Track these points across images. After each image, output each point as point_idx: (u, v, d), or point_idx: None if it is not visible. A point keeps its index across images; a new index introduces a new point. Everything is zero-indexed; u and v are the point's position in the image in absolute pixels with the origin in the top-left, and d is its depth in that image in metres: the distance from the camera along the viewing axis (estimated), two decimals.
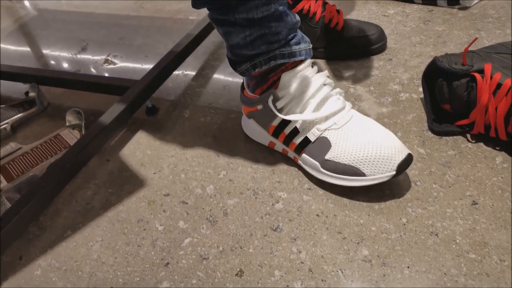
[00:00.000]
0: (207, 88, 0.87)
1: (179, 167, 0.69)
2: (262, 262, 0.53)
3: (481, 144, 0.64)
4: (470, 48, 0.66)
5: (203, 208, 0.61)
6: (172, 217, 0.61)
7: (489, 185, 0.58)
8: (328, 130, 0.60)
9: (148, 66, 0.96)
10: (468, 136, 0.66)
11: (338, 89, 0.63)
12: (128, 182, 0.68)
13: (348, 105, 0.62)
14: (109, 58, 1.03)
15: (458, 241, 0.52)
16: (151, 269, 0.55)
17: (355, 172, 0.57)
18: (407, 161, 0.56)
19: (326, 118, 0.60)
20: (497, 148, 0.63)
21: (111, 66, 1.00)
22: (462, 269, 0.49)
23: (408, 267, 0.51)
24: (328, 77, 0.63)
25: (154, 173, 0.68)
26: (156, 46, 1.05)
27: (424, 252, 0.52)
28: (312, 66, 0.62)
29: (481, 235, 0.53)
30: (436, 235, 0.53)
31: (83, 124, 0.79)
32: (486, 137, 0.64)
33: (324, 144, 0.60)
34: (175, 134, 0.76)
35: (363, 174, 0.57)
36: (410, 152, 0.57)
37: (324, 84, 0.61)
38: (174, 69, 0.87)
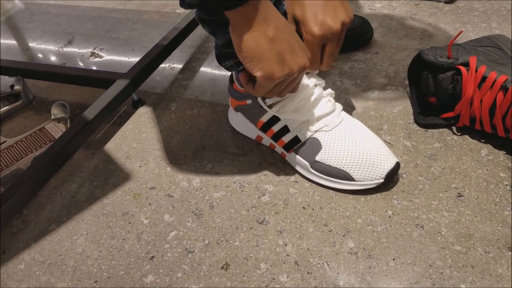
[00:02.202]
0: (194, 81, 0.86)
1: (165, 160, 0.68)
2: (248, 255, 0.53)
3: (467, 136, 0.65)
4: (456, 41, 0.67)
5: (189, 201, 0.61)
6: (157, 210, 0.60)
7: (474, 177, 0.58)
8: (319, 131, 0.60)
9: (135, 59, 0.95)
10: (454, 128, 0.66)
11: (329, 90, 0.63)
12: (114, 175, 0.67)
13: (339, 107, 0.62)
14: (95, 51, 1.02)
15: (443, 233, 0.53)
16: (136, 263, 0.54)
17: (344, 176, 0.58)
18: (395, 169, 0.57)
19: (318, 119, 0.60)
20: (482, 140, 0.63)
21: (98, 59, 0.99)
22: (447, 261, 0.50)
23: (393, 259, 0.51)
24: (318, 76, 0.63)
25: (139, 166, 0.68)
26: (143, 39, 1.04)
27: (410, 244, 0.52)
28: None
29: (466, 227, 0.53)
30: (422, 227, 0.54)
31: (68, 117, 0.78)
32: (472, 130, 0.64)
33: (314, 145, 0.60)
34: (161, 127, 0.75)
35: (352, 179, 0.58)
36: (398, 160, 0.58)
37: (316, 85, 0.61)
38: (161, 63, 0.86)
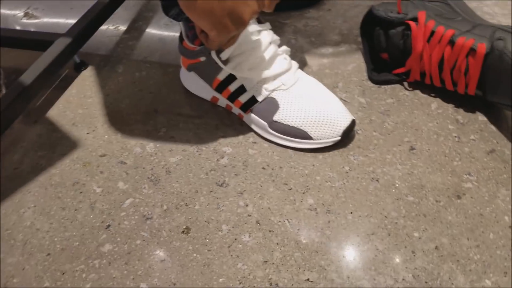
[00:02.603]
0: (141, 41, 0.81)
1: (115, 126, 0.64)
2: (209, 218, 0.52)
3: (418, 91, 0.66)
4: None
5: (143, 168, 0.59)
6: (110, 178, 0.58)
7: (425, 131, 0.60)
8: (276, 90, 0.59)
9: (74, 21, 0.87)
10: (405, 84, 0.67)
11: (284, 47, 0.61)
12: (60, 143, 0.63)
13: (295, 65, 0.61)
14: (29, 11, 0.93)
15: (397, 185, 0.54)
16: (91, 233, 0.52)
17: (302, 135, 0.58)
18: (351, 126, 0.58)
19: (274, 78, 0.59)
20: (432, 94, 0.65)
21: (32, 20, 0.90)
22: (401, 212, 0.52)
23: (351, 212, 0.52)
24: (273, 32, 0.61)
25: (87, 133, 0.64)
26: None
27: (366, 197, 0.53)
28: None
29: (419, 178, 0.55)
30: (377, 180, 0.55)
31: (3, 83, 0.71)
32: (422, 84, 0.66)
33: (272, 104, 0.59)
34: (108, 91, 0.70)
35: (310, 138, 0.58)
36: (353, 118, 0.58)
37: (270, 42, 0.59)
38: (104, 21, 0.80)
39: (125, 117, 0.66)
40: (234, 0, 0.46)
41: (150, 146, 0.61)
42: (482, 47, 0.57)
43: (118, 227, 0.52)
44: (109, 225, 0.52)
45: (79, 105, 0.68)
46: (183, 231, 0.51)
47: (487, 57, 0.57)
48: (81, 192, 0.56)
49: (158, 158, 0.60)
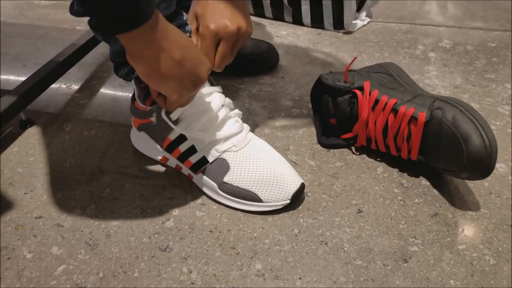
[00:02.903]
0: (93, 100, 0.80)
1: (56, 186, 0.61)
2: (149, 286, 0.49)
3: (364, 155, 0.68)
4: (352, 68, 0.71)
5: (81, 231, 0.55)
6: (44, 242, 0.53)
7: (372, 194, 0.61)
8: (227, 152, 0.59)
9: (26, 77, 0.86)
10: (353, 148, 0.69)
11: (236, 110, 0.62)
12: None
13: (246, 127, 0.62)
14: None
15: (345, 248, 0.54)
16: None
17: (252, 197, 0.57)
18: (300, 190, 0.58)
19: (225, 139, 0.59)
20: (378, 159, 0.67)
21: None
22: (350, 276, 0.50)
23: (300, 278, 0.50)
24: (225, 97, 0.62)
25: (24, 193, 0.60)
26: (37, 55, 0.95)
27: (315, 261, 0.52)
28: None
29: (366, 241, 0.55)
30: (326, 244, 0.54)
31: None
32: (368, 149, 0.68)
33: (222, 166, 0.58)
34: (52, 150, 0.68)
35: (260, 200, 0.57)
36: (303, 181, 0.59)
37: (223, 105, 0.60)
38: (55, 80, 0.79)
39: (68, 177, 0.63)
40: (192, 62, 0.47)
41: (91, 207, 0.58)
42: (422, 115, 0.60)
43: None
44: None
45: (19, 163, 0.65)
46: None
47: (427, 124, 0.60)
48: (9, 258, 0.51)
49: (98, 221, 0.56)
